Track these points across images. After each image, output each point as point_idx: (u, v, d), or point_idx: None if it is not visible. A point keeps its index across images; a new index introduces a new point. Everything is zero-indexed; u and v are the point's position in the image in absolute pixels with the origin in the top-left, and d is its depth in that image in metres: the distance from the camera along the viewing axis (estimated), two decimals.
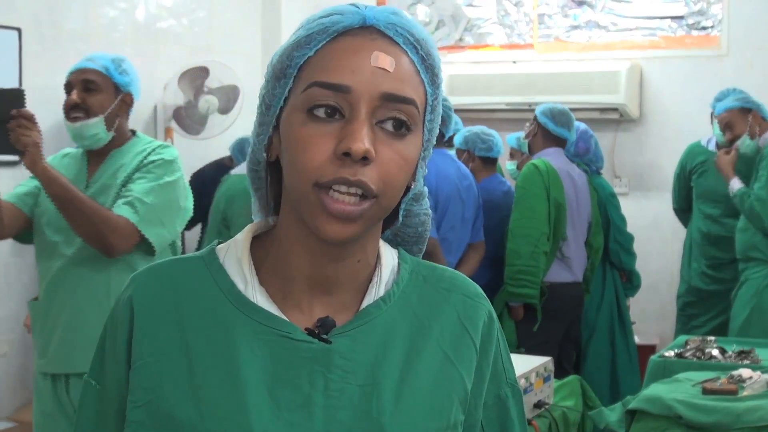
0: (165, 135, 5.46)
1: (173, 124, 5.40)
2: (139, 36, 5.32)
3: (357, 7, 1.09)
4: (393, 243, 1.23)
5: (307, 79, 1.07)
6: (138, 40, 5.29)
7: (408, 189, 1.15)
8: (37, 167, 2.74)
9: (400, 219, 1.20)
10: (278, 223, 1.15)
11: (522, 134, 4.80)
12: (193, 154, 5.55)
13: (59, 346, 2.92)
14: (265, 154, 1.13)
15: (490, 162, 4.98)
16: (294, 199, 1.08)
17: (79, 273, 2.89)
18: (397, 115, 1.06)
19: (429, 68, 1.11)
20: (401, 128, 1.07)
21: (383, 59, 1.06)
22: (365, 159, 1.03)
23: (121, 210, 2.84)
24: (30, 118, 2.72)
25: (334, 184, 1.03)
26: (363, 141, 1.02)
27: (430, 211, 1.23)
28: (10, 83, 4.54)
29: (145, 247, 2.89)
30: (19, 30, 4.60)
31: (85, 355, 2.83)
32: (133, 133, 3.06)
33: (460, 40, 6.59)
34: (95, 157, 3.00)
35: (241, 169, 4.80)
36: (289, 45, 1.09)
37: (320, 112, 1.05)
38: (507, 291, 4.43)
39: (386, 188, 1.05)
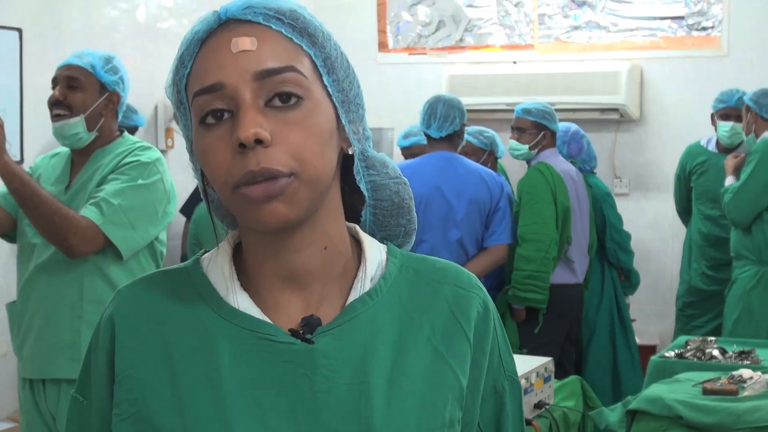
0: (165, 135, 5.47)
1: (174, 125, 5.41)
2: (140, 36, 5.32)
3: (218, 9, 1.09)
4: (376, 224, 1.20)
5: (191, 95, 1.07)
6: (139, 41, 5.29)
7: (349, 156, 1.13)
8: None
9: (367, 193, 1.17)
10: (240, 230, 1.14)
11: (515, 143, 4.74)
12: None
13: (32, 350, 2.89)
14: (203, 182, 1.12)
15: (496, 161, 5.11)
16: (229, 208, 1.08)
17: (51, 276, 2.85)
18: (281, 88, 1.04)
19: (302, 32, 1.08)
20: (290, 99, 1.04)
21: (242, 42, 1.05)
22: (260, 142, 1.02)
23: (86, 210, 2.78)
24: None
25: (246, 182, 1.02)
26: (248, 126, 1.01)
27: (404, 179, 1.20)
28: (11, 83, 4.54)
29: (115, 249, 2.82)
30: (19, 30, 4.60)
31: (56, 361, 2.85)
32: (121, 133, 3.00)
33: (461, 40, 6.58)
34: (80, 157, 2.95)
35: None
36: (171, 72, 1.11)
37: (210, 119, 1.05)
38: (513, 294, 4.43)
39: (300, 162, 1.03)
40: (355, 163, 1.14)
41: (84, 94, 2.88)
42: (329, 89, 1.09)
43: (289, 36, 1.07)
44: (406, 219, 1.20)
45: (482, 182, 4.35)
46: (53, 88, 2.91)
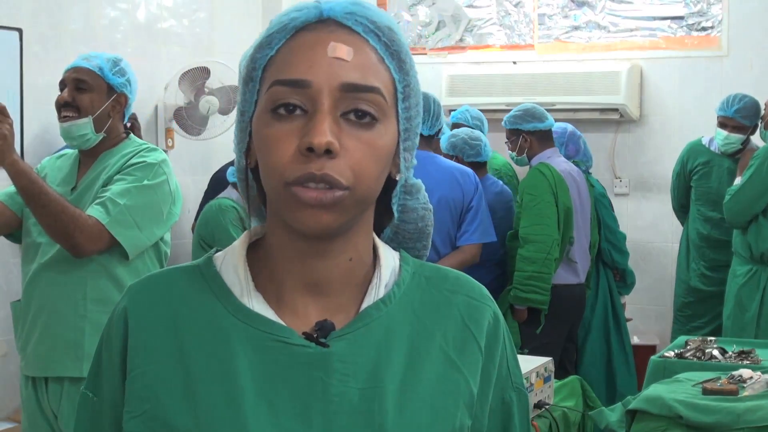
0: (165, 135, 5.47)
1: (174, 125, 5.40)
2: (140, 36, 5.32)
3: (318, 1, 1.08)
4: (395, 242, 1.21)
5: (269, 80, 1.07)
6: (139, 41, 5.29)
7: (395, 182, 1.14)
8: (5, 159, 2.71)
9: (396, 215, 1.18)
10: (267, 227, 1.14)
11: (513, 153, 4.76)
12: (193, 154, 5.56)
13: (36, 348, 2.91)
14: (244, 161, 1.12)
15: (480, 165, 4.80)
16: (272, 200, 1.08)
17: (55, 275, 2.87)
18: (361, 106, 1.05)
19: (394, 54, 1.09)
20: (365, 118, 1.05)
21: (340, 49, 1.05)
22: (329, 152, 1.02)
23: (92, 210, 2.80)
24: (2, 111, 2.71)
25: (303, 182, 1.02)
26: (324, 134, 1.02)
27: (430, 205, 1.21)
28: (11, 84, 4.54)
29: (121, 249, 2.84)
30: (20, 30, 4.60)
31: (60, 359, 2.86)
32: (127, 134, 3.02)
33: (461, 40, 6.58)
34: (87, 158, 2.97)
35: (227, 193, 4.77)
36: (253, 48, 1.09)
37: (282, 111, 1.05)
38: (515, 295, 4.44)
39: (357, 179, 1.04)
40: (397, 189, 1.15)
41: (92, 96, 2.91)
42: (399, 116, 1.10)
43: (382, 55, 1.08)
44: (423, 244, 1.23)
45: (454, 181, 4.24)
46: (61, 90, 2.93)
